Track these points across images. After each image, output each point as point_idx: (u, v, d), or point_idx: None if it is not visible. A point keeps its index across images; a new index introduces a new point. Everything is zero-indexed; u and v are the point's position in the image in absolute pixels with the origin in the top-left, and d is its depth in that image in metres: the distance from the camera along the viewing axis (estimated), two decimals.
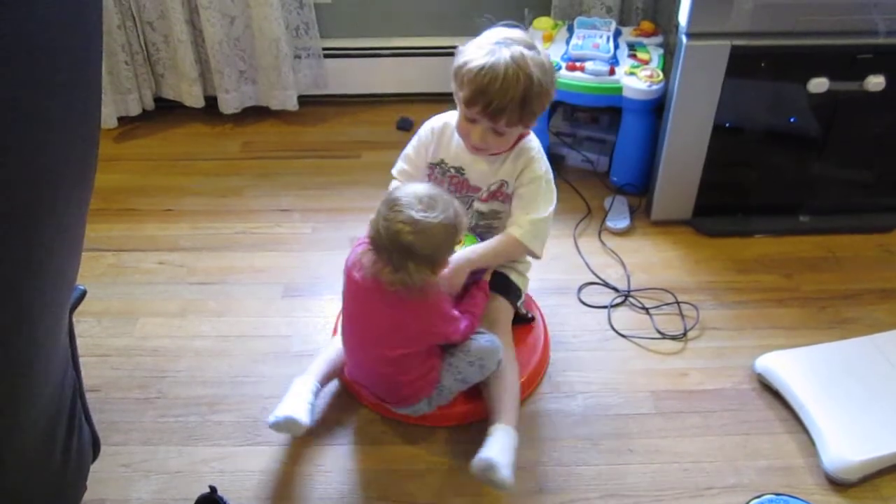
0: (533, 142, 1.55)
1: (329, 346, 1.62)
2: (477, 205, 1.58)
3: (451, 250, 1.40)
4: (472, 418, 1.56)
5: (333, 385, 1.66)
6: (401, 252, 1.31)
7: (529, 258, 1.66)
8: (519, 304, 1.67)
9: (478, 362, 1.49)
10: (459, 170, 1.56)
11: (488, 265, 1.57)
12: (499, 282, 1.63)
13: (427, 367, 1.47)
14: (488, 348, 1.49)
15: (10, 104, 0.66)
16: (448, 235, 1.34)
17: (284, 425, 1.43)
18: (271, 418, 1.43)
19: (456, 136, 1.54)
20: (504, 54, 1.37)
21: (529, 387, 1.64)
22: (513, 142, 1.51)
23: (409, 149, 1.63)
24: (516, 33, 1.42)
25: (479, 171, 1.55)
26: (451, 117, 1.56)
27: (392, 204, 1.32)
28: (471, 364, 1.49)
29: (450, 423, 1.57)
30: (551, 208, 1.55)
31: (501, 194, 1.57)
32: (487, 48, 1.39)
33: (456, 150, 1.55)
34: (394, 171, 1.65)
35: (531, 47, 1.40)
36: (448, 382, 1.50)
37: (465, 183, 1.57)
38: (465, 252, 1.51)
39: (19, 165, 0.69)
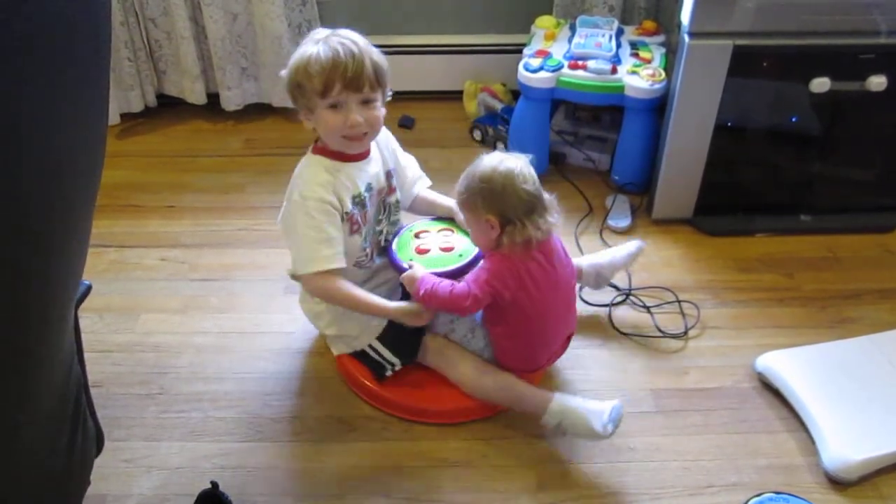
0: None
1: (516, 386, 1.54)
2: (389, 199, 1.63)
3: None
4: (472, 416, 1.57)
5: (334, 383, 1.67)
6: (542, 197, 1.47)
7: None
8: None
9: None
10: (368, 187, 1.54)
11: None
12: None
13: None
14: None
15: (22, 100, 0.66)
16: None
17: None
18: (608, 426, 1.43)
19: (346, 169, 1.50)
20: (323, 41, 1.41)
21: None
22: (383, 117, 1.49)
23: (324, 233, 1.46)
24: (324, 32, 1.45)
25: (378, 174, 1.57)
26: (315, 169, 1.50)
27: (508, 174, 1.43)
28: None
29: (450, 420, 1.57)
30: None
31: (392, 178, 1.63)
32: (306, 46, 1.42)
33: (353, 176, 1.51)
34: (331, 266, 1.47)
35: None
36: None
37: (382, 190, 1.59)
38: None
39: (29, 161, 0.69)
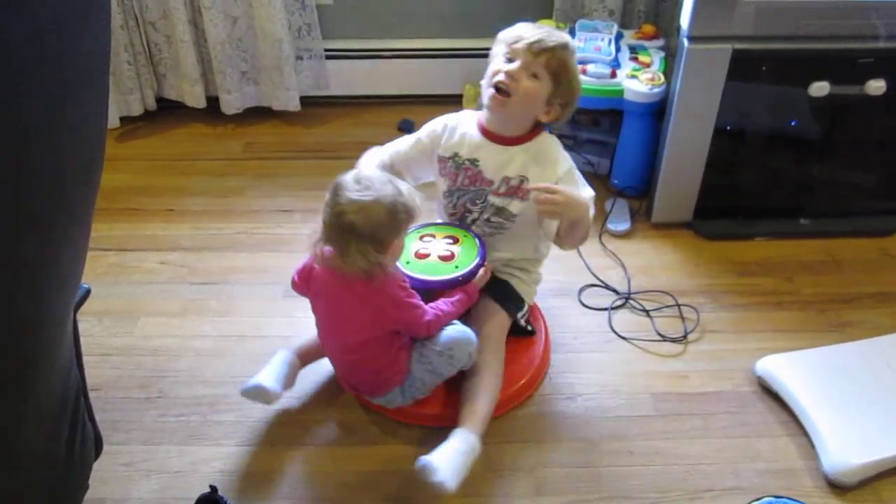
0: (551, 141, 1.58)
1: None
2: (491, 198, 1.58)
3: (394, 231, 1.38)
4: None
5: (334, 387, 1.66)
6: (344, 233, 1.35)
7: (538, 268, 1.71)
8: (520, 315, 1.66)
9: (447, 353, 1.48)
10: (473, 161, 1.58)
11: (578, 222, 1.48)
12: (497, 290, 1.63)
13: (393, 355, 1.48)
14: (458, 339, 1.49)
15: (22, 102, 0.66)
16: (388, 214, 1.35)
17: (255, 392, 1.51)
18: (243, 387, 1.52)
19: (470, 130, 1.58)
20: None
21: (529, 388, 1.64)
22: (534, 103, 1.51)
23: (411, 137, 1.66)
24: None
25: (493, 163, 1.56)
26: (463, 115, 1.62)
27: (334, 188, 1.38)
28: (440, 354, 1.48)
29: (451, 424, 1.57)
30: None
31: (521, 192, 1.55)
32: None
33: (470, 142, 1.58)
34: (372, 151, 1.65)
35: None
36: (419, 373, 1.50)
37: (479, 175, 1.58)
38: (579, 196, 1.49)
39: (28, 166, 0.69)
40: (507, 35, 1.52)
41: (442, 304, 1.49)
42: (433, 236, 1.63)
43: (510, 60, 1.49)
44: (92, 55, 0.76)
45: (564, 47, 1.49)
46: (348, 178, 1.38)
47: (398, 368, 1.49)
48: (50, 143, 0.72)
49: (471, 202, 1.61)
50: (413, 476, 1.48)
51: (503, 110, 1.51)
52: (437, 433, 1.56)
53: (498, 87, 1.49)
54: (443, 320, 1.48)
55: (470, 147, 1.58)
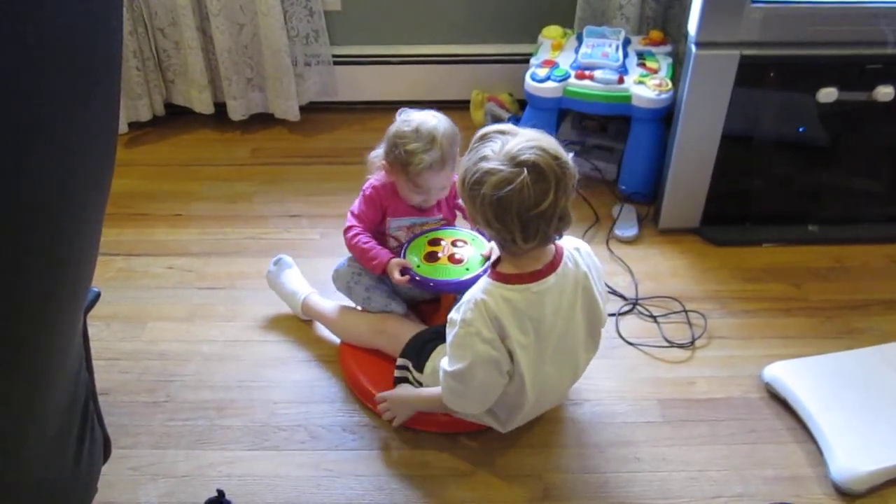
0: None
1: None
2: None
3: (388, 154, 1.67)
4: (478, 425, 1.56)
5: (340, 391, 1.67)
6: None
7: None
8: (403, 369, 1.58)
9: (341, 278, 1.73)
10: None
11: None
12: (427, 336, 1.58)
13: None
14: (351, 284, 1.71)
15: (34, 108, 0.67)
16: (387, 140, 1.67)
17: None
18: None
19: None
20: None
21: None
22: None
23: None
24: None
25: None
26: None
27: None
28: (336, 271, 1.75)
29: (456, 429, 1.57)
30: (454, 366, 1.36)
31: None
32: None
33: None
34: None
35: None
36: (341, 266, 1.74)
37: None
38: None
39: (41, 170, 0.70)
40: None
41: (364, 238, 1.65)
42: (442, 240, 1.63)
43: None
44: (106, 59, 0.77)
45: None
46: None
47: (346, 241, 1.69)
48: (62, 147, 0.72)
49: None
50: (420, 481, 1.49)
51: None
52: (443, 439, 1.56)
53: None
54: (351, 241, 1.67)
55: None
